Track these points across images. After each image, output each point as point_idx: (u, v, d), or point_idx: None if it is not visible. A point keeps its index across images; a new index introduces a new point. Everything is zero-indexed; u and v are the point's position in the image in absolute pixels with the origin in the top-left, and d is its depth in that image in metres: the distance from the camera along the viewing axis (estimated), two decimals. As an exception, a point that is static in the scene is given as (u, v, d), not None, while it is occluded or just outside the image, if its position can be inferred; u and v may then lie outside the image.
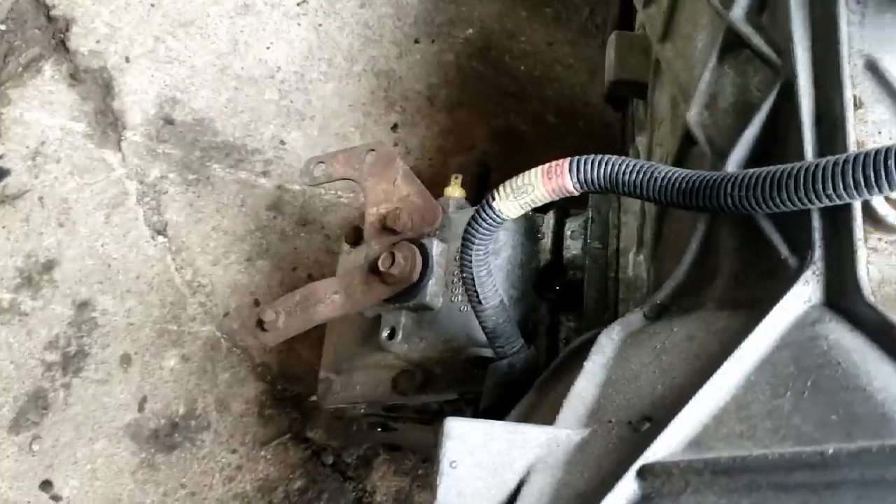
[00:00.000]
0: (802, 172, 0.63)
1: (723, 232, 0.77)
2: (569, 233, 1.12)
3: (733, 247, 0.75)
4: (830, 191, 0.61)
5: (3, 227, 1.63)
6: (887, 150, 0.59)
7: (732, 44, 0.82)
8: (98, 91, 1.74)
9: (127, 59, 1.76)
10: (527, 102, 1.66)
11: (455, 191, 1.19)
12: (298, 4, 1.79)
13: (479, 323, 0.90)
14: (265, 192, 1.63)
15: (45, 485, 1.45)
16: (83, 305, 1.57)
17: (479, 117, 1.66)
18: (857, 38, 0.73)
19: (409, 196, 1.13)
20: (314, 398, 1.45)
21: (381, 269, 1.05)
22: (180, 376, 1.51)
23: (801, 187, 0.63)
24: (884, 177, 0.59)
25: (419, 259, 1.06)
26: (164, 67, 1.75)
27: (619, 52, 1.09)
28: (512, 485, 0.64)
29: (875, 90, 0.72)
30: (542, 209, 1.14)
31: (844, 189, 0.61)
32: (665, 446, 0.58)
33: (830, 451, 0.48)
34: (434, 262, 1.07)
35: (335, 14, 1.78)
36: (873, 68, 0.72)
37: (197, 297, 1.56)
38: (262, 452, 1.45)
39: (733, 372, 0.61)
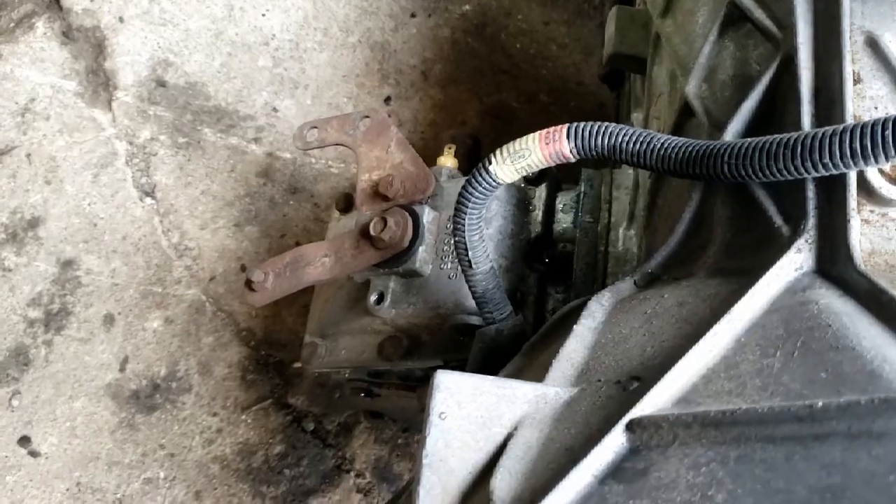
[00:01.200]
0: (799, 141, 0.64)
1: (717, 202, 0.77)
2: (560, 206, 1.12)
3: (727, 216, 0.76)
4: (826, 160, 0.62)
5: (-10, 183, 1.63)
6: (884, 121, 0.60)
7: (734, 18, 0.83)
8: (90, 50, 1.73)
9: (121, 20, 1.75)
10: (520, 80, 1.66)
11: (448, 160, 1.19)
12: (296, -27, 1.78)
13: (469, 288, 0.90)
14: (256, 159, 1.63)
15: (24, 440, 1.45)
16: (68, 264, 1.56)
17: (473, 93, 1.66)
18: (858, 14, 0.74)
19: (402, 163, 1.14)
20: (297, 365, 1.45)
21: (372, 233, 1.05)
22: (163, 338, 1.51)
23: (798, 156, 0.64)
24: (880, 147, 0.60)
25: (410, 225, 1.06)
26: (158, 30, 1.74)
27: (619, 27, 1.09)
28: (499, 438, 0.65)
29: (874, 66, 0.72)
30: (534, 182, 1.15)
31: (840, 159, 0.62)
32: (654, 402, 0.59)
33: (819, 404, 0.49)
34: (425, 229, 1.07)
35: (332, -16, 1.77)
36: (873, 44, 0.73)
37: (183, 260, 1.56)
38: (243, 416, 1.45)
39: (724, 333, 0.62)
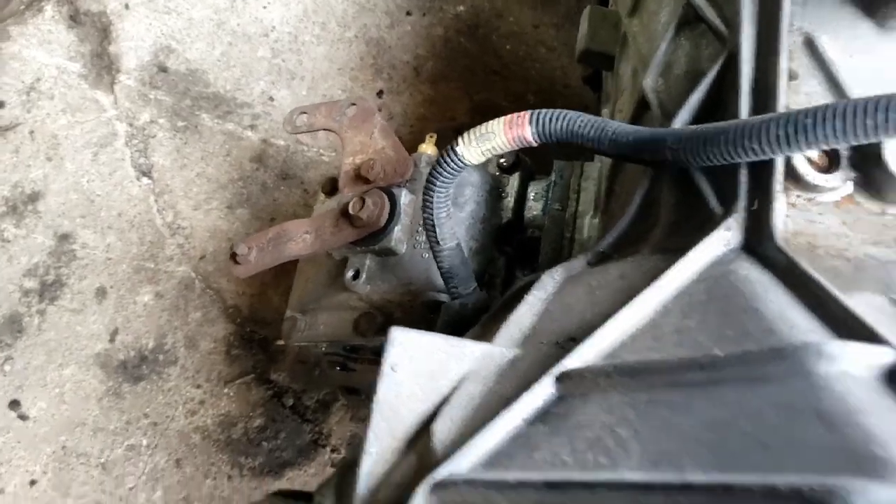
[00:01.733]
0: (732, 128, 0.70)
1: (664, 188, 0.83)
2: (532, 195, 1.18)
3: (672, 200, 0.82)
4: (755, 145, 0.68)
5: (-7, 157, 1.69)
6: (806, 110, 0.66)
7: (690, 18, 0.89)
8: (96, 34, 1.79)
9: (126, 6, 1.81)
10: (509, 81, 1.72)
11: (428, 148, 1.25)
12: (298, -32, 1.85)
13: (436, 263, 0.96)
14: (250, 145, 1.69)
15: (14, 404, 1.50)
16: (64, 237, 1.62)
17: (462, 91, 1.71)
18: (798, 16, 0.79)
19: (384, 148, 1.19)
20: (280, 342, 1.50)
21: (351, 212, 1.11)
22: (153, 312, 1.56)
23: (731, 141, 0.70)
24: (802, 134, 0.66)
25: (387, 205, 1.12)
26: (162, 17, 1.80)
27: (591, 25, 1.15)
28: (445, 390, 0.70)
29: (810, 64, 0.78)
30: (509, 170, 1.21)
31: (767, 143, 0.67)
32: (582, 357, 0.64)
33: (720, 354, 0.54)
34: (401, 210, 1.13)
35: (333, -20, 1.84)
36: (811, 45, 0.78)
37: (176, 238, 1.62)
38: (226, 390, 1.50)
39: (652, 299, 0.67)
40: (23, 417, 1.50)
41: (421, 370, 0.71)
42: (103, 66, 1.76)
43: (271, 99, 1.73)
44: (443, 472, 0.60)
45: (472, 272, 0.98)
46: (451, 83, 1.72)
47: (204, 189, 1.65)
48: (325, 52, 1.77)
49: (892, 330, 0.56)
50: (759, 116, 0.69)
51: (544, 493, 0.53)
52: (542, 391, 0.63)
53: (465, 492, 0.58)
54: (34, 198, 1.65)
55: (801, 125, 0.65)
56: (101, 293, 1.57)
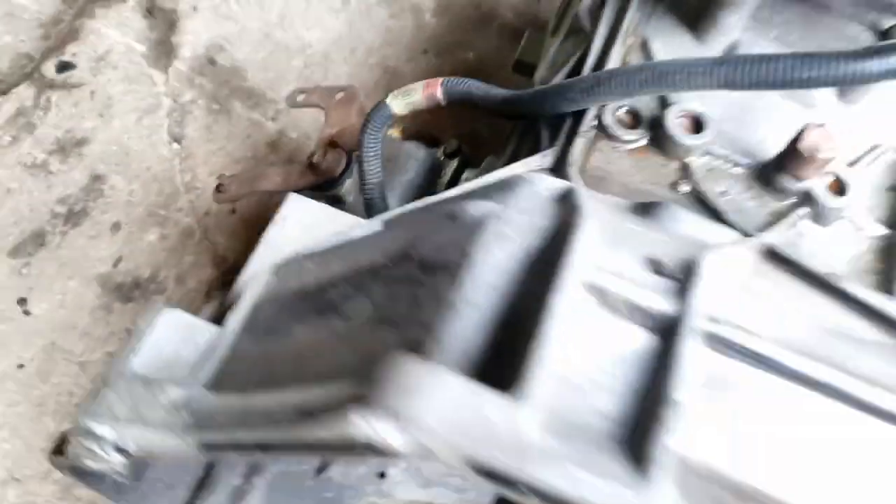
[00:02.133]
0: (560, 85, 0.95)
1: (526, 140, 1.08)
2: (464, 178, 1.42)
3: (529, 147, 1.06)
4: (570, 94, 0.93)
5: (57, 106, 2.00)
6: (607, 70, 0.91)
7: (576, 28, 1.15)
8: (164, 26, 2.12)
9: (195, 9, 2.15)
10: (495, 117, 1.98)
11: (393, 132, 1.51)
12: (343, 3, 2.17)
13: (361, 194, 1.21)
14: (268, 133, 1.98)
15: (21, 301, 1.76)
16: (97, 178, 1.91)
17: (455, 119, 1.98)
18: (643, 26, 1.05)
19: (356, 124, 1.46)
20: (252, 291, 1.75)
21: (315, 161, 1.37)
22: (155, 249, 1.83)
23: (558, 94, 0.95)
24: (602, 86, 0.90)
25: (344, 161, 1.38)
26: (221, 22, 2.13)
27: (527, 42, 1.44)
28: (319, 237, 0.94)
29: (641, 59, 1.03)
30: (451, 156, 1.46)
31: (580, 92, 0.92)
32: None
33: (472, 189, 0.78)
34: (355, 168, 1.38)
35: (368, 17, 2.15)
36: (645, 46, 1.04)
37: (189, 195, 1.89)
38: (199, 321, 1.74)
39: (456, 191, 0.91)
40: (26, 313, 1.76)
41: (304, 223, 0.96)
42: (164, 51, 2.08)
43: (295, 101, 2.02)
44: (285, 258, 0.85)
45: (388, 206, 1.23)
46: (445, 110, 1.99)
47: (221, 161, 1.94)
48: (348, 72, 2.07)
49: (604, 205, 0.79)
50: (578, 77, 0.94)
51: (334, 250, 0.78)
52: (372, 226, 0.87)
53: (290, 262, 0.83)
54: (81, 143, 1.95)
55: (601, 79, 0.90)
56: (116, 227, 1.85)
